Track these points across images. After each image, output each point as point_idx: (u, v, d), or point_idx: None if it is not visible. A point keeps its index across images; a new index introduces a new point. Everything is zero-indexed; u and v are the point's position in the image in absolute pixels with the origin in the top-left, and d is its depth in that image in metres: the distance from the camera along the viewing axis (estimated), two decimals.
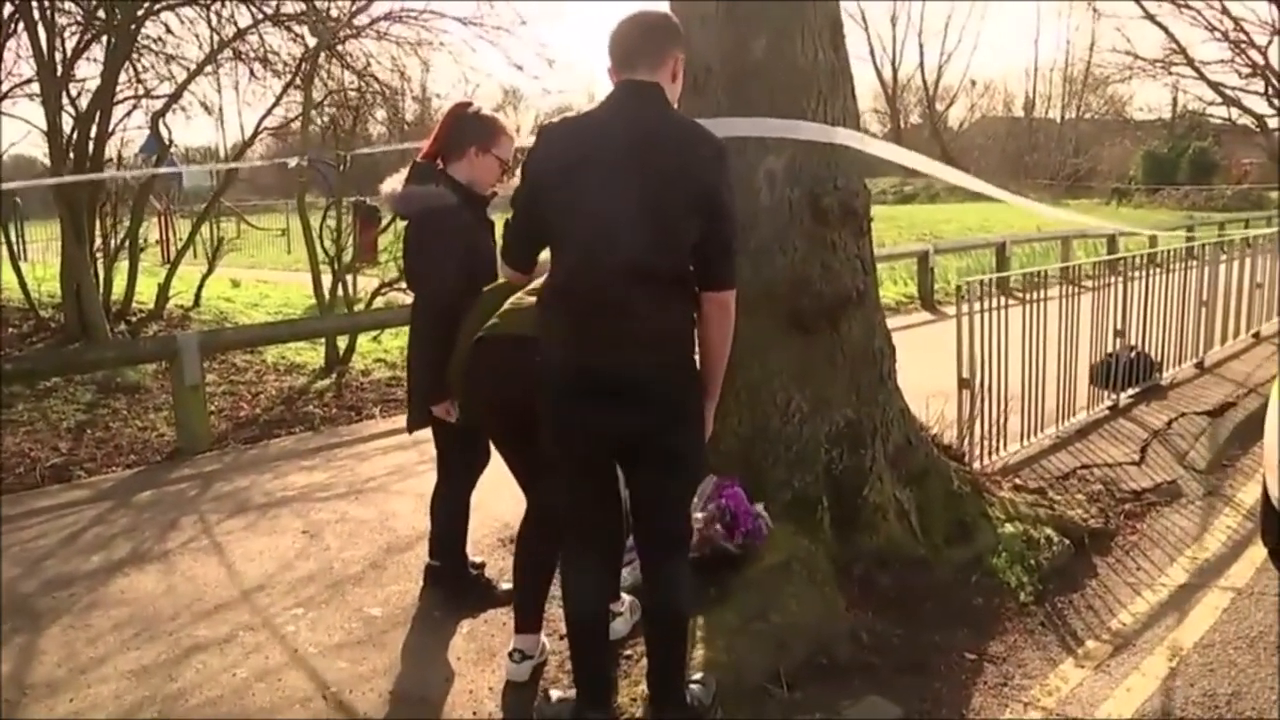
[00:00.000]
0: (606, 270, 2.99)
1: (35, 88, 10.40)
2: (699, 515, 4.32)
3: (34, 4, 9.41)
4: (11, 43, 10.72)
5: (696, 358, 3.15)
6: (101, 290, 10.42)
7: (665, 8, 4.79)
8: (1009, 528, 4.87)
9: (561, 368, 3.07)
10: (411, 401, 4.34)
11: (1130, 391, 7.74)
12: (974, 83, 62.65)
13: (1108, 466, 6.19)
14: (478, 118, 4.15)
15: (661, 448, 3.11)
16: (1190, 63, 37.21)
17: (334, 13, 11.20)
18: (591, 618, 3.36)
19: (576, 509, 3.32)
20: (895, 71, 59.95)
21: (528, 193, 3.14)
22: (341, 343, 9.70)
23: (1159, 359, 8.25)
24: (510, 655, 3.80)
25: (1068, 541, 4.95)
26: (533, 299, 3.35)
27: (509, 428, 3.64)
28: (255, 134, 12.34)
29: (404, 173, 4.19)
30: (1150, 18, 35.83)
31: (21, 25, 9.78)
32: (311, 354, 9.92)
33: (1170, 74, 39.62)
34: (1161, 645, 4.14)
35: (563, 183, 3.04)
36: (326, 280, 10.11)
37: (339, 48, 11.18)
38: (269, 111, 11.86)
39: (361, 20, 11.14)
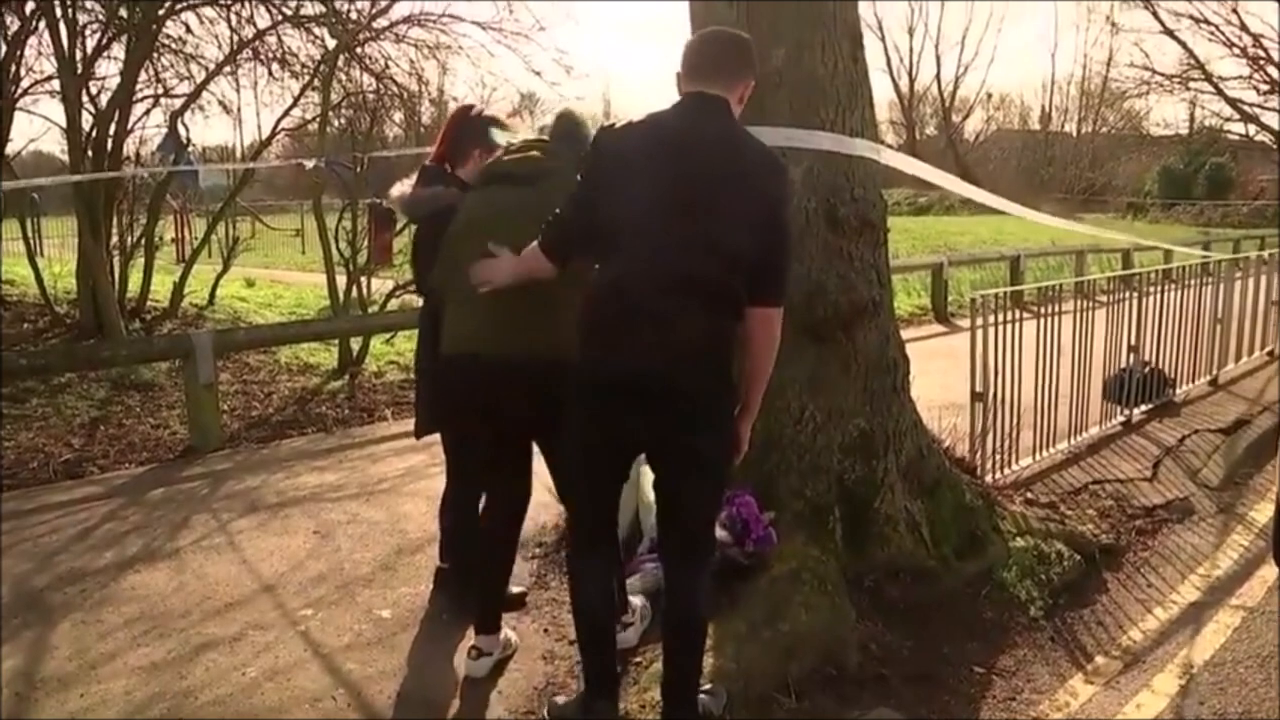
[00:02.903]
0: (658, 277, 3.03)
1: (55, 85, 10.47)
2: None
3: (56, 2, 9.46)
4: (33, 40, 10.79)
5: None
6: (117, 287, 10.46)
7: (685, 13, 4.83)
8: (1020, 542, 4.86)
9: (599, 369, 3.11)
10: (420, 406, 4.33)
11: (1143, 407, 7.71)
12: (990, 95, 62.51)
13: (1120, 482, 6.17)
14: (480, 120, 4.15)
15: (689, 451, 3.15)
16: (1208, 78, 37.10)
17: (353, 15, 11.24)
18: (600, 613, 3.40)
19: (587, 508, 3.38)
20: (912, 83, 60.04)
21: (584, 191, 3.19)
22: (355, 344, 9.73)
23: (1173, 375, 8.23)
24: (468, 652, 3.89)
25: (1079, 557, 4.94)
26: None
27: (484, 431, 3.72)
28: (273, 134, 12.40)
29: (414, 176, 4.21)
30: (1169, 33, 35.75)
31: (43, 23, 9.84)
32: (325, 355, 9.95)
33: (1188, 89, 39.48)
34: (1172, 663, 4.12)
35: (621, 186, 3.09)
36: (341, 282, 10.14)
37: (358, 50, 11.21)
38: (286, 112, 11.91)
39: (381, 23, 11.18)
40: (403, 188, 4.19)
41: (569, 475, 3.43)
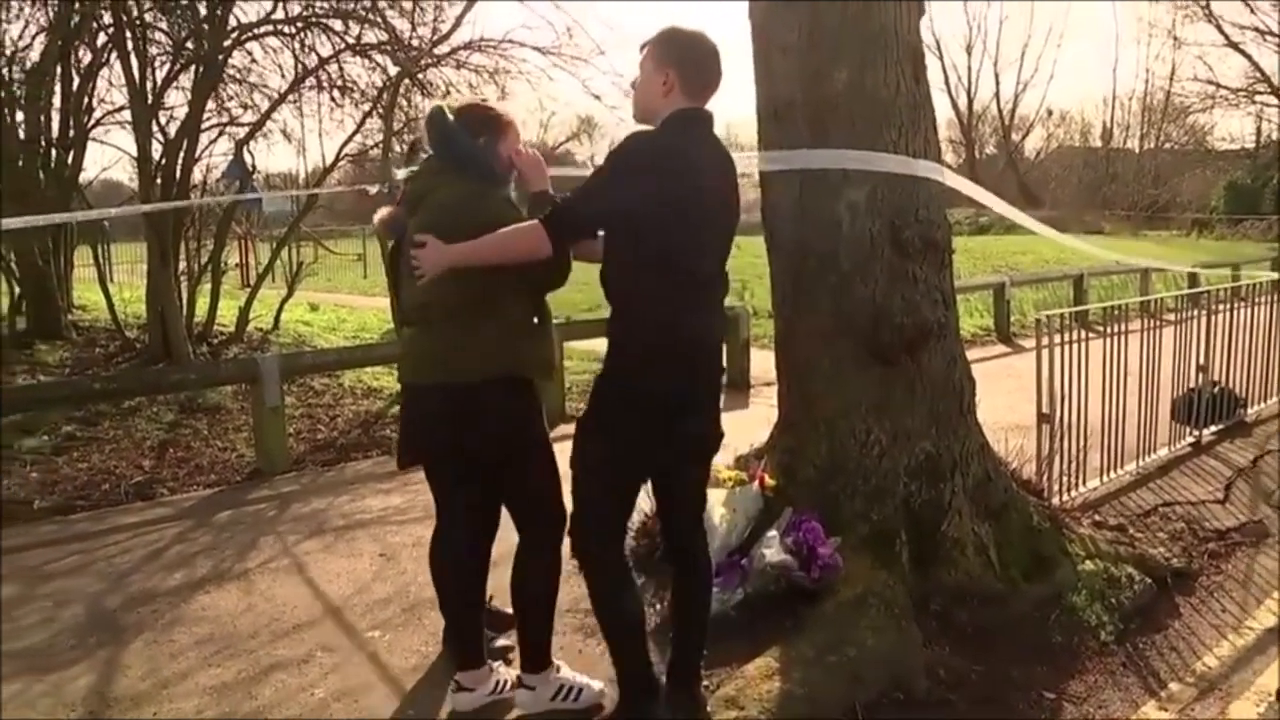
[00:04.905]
0: (711, 299, 3.36)
1: (126, 115, 10.72)
2: (772, 549, 4.32)
3: (127, 34, 9.68)
4: (104, 71, 11.07)
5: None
6: (184, 312, 10.65)
7: (745, 31, 4.86)
8: (1089, 565, 4.79)
9: (672, 388, 3.25)
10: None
11: (1213, 428, 7.58)
12: (1050, 112, 61.88)
13: (1190, 504, 6.06)
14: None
15: (713, 447, 3.53)
16: (1274, 91, 36.57)
17: (414, 42, 11.39)
18: (640, 615, 3.57)
19: (624, 524, 3.56)
20: (970, 101, 59.49)
21: (625, 194, 3.17)
22: None
23: (1243, 395, 8.07)
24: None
25: (1149, 580, 4.85)
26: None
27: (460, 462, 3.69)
28: (336, 161, 12.57)
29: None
30: (1233, 45, 35.42)
31: (114, 55, 10.07)
32: (388, 379, 10.03)
33: (1253, 102, 39.00)
34: (1249, 690, 4.03)
35: (674, 209, 3.15)
36: None
37: (419, 76, 11.35)
38: (350, 139, 12.09)
39: (442, 49, 11.32)
40: (383, 212, 4.21)
41: (607, 485, 3.38)
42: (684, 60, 3.24)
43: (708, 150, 3.29)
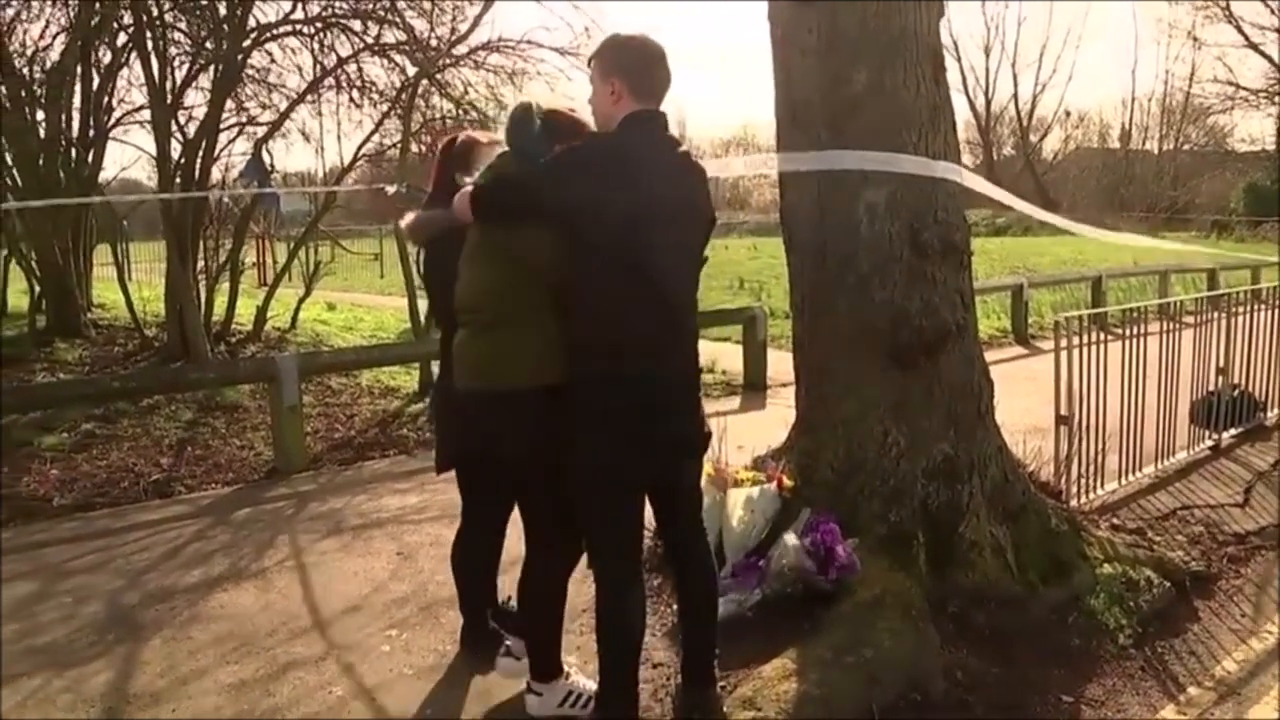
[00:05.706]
0: (678, 298, 3.33)
1: (145, 115, 10.77)
2: (790, 550, 4.32)
3: (147, 34, 9.72)
4: (124, 71, 11.14)
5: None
6: (203, 311, 10.70)
7: (765, 33, 4.86)
8: (1107, 568, 4.77)
9: (637, 394, 3.21)
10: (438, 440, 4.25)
11: (1233, 431, 7.54)
12: (1069, 113, 61.62)
13: (1209, 508, 6.04)
14: (460, 151, 4.07)
15: (699, 444, 3.51)
16: None
17: (433, 42, 11.41)
18: (641, 632, 3.53)
19: (634, 535, 3.45)
20: (988, 102, 59.33)
21: (558, 191, 3.17)
22: (436, 367, 9.81)
23: (1263, 398, 8.03)
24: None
25: (1168, 584, 4.82)
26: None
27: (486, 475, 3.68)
28: (354, 161, 12.59)
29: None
30: (1253, 46, 35.22)
31: (135, 55, 10.12)
32: (406, 378, 10.06)
33: (1274, 104, 38.74)
34: (1269, 695, 4.01)
35: (619, 208, 3.13)
36: (422, 305, 10.24)
37: (438, 77, 11.37)
38: (368, 139, 12.12)
39: (460, 50, 11.32)
40: (410, 217, 4.19)
41: (600, 498, 3.34)
42: (627, 68, 3.28)
43: (661, 150, 3.31)
